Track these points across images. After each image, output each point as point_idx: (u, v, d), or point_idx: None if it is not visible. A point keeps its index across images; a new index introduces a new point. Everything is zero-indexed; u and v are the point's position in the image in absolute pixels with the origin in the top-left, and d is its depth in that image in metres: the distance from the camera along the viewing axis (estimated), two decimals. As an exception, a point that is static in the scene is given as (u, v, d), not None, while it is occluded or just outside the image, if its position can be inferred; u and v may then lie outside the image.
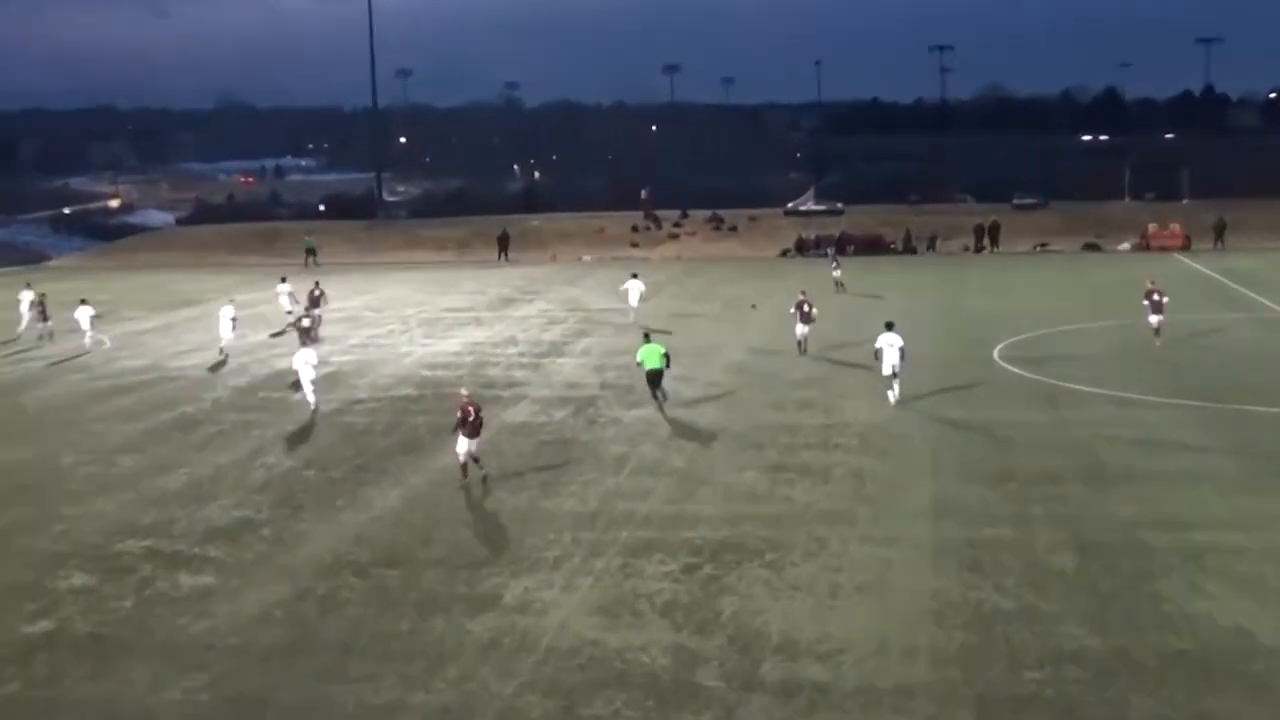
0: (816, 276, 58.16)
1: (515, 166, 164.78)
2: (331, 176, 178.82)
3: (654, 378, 34.46)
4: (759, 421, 32.53)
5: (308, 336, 43.06)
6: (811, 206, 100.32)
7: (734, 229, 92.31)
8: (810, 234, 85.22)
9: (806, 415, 33.21)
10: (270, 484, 27.95)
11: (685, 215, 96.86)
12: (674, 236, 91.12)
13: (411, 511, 25.53)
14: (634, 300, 52.39)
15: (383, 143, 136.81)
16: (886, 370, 33.89)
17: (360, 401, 36.76)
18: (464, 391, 28.10)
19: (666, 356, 34.58)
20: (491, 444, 30.78)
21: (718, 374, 39.51)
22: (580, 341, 47.06)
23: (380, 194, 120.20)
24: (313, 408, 34.89)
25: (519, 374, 40.52)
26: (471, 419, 26.93)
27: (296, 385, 36.74)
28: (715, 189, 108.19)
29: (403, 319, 54.61)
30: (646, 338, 35.81)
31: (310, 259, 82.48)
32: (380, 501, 26.32)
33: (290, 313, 52.68)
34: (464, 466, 27.08)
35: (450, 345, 46.85)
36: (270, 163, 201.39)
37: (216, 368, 43.26)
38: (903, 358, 33.86)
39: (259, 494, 27.15)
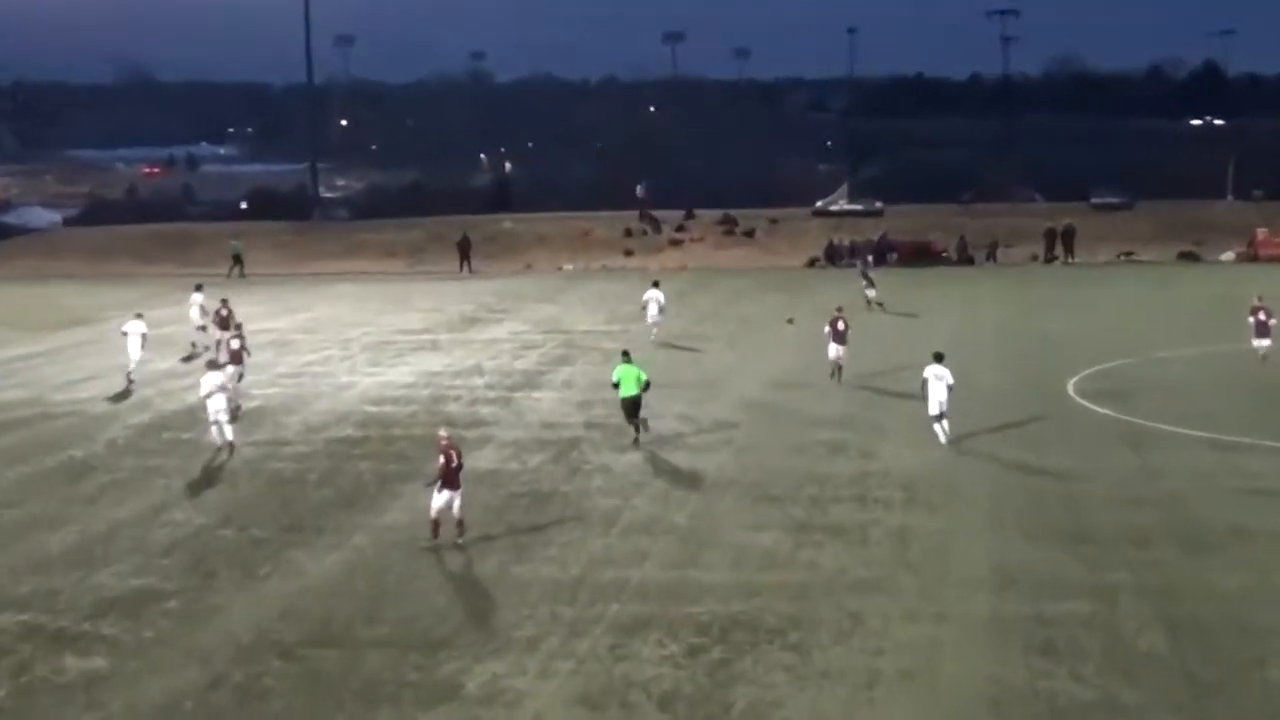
0: (852, 290, 58.22)
1: (482, 156, 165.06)
2: (256, 168, 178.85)
3: (632, 407, 35.53)
4: (779, 469, 32.55)
5: (238, 360, 43.07)
6: (845, 205, 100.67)
7: (750, 233, 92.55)
8: (843, 239, 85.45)
9: (838, 461, 33.25)
10: (177, 545, 27.91)
11: (691, 216, 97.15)
12: (676, 242, 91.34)
13: (352, 580, 25.50)
14: (653, 313, 53.24)
15: (319, 127, 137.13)
16: (934, 409, 34.49)
17: (289, 444, 36.74)
18: (443, 433, 28.03)
19: (647, 383, 35.60)
20: (451, 496, 30.81)
21: (729, 411, 39.56)
22: (560, 371, 47.11)
23: (316, 189, 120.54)
24: (222, 447, 35.15)
25: (485, 410, 40.54)
26: (455, 465, 26.95)
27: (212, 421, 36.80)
28: (727, 184, 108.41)
29: (343, 343, 54.65)
30: (625, 356, 36.62)
31: (236, 269, 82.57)
32: (313, 567, 26.29)
33: (202, 328, 52.60)
34: (436, 525, 27.02)
35: (401, 375, 46.89)
36: (181, 150, 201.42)
37: (119, 398, 43.27)
38: (950, 392, 34.42)
39: (163, 558, 27.10)
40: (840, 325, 43.54)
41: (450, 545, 26.90)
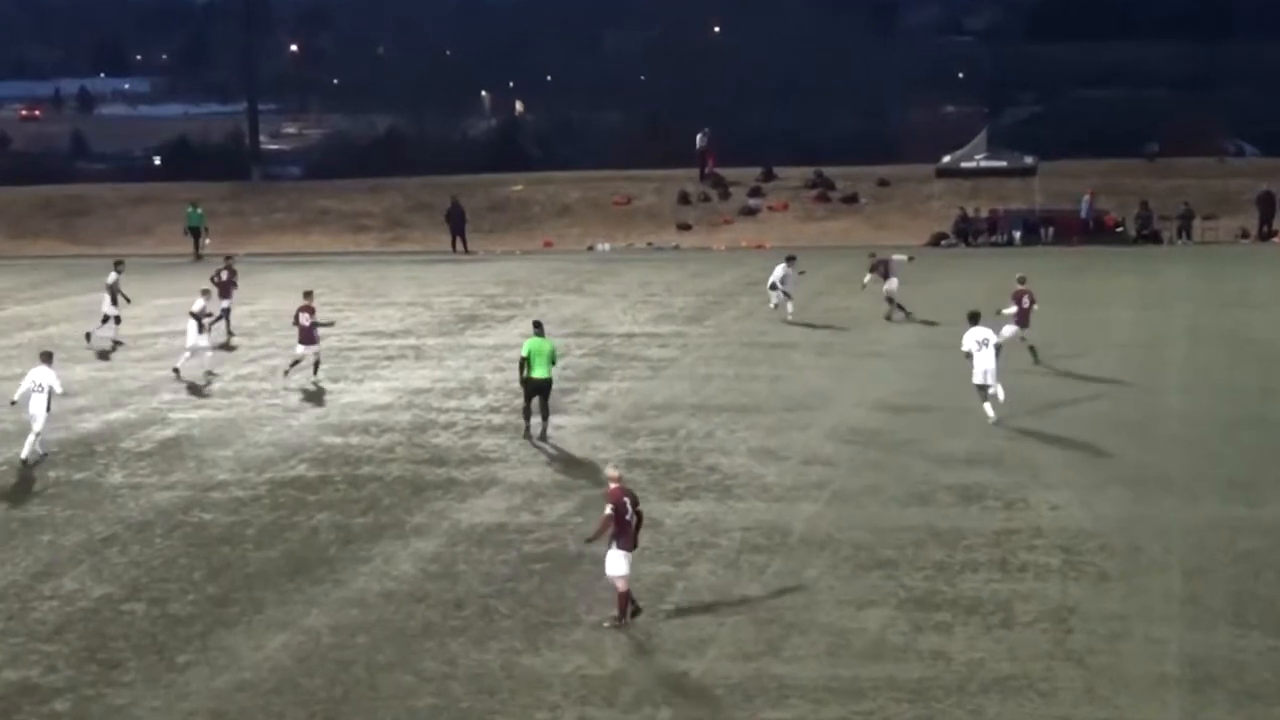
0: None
1: (483, 94, 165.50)
2: (173, 109, 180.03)
3: (541, 390, 40.12)
4: (892, 524, 32.54)
5: (311, 339, 47.74)
6: (982, 162, 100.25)
7: (852, 199, 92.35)
8: (979, 209, 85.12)
9: (973, 513, 33.22)
10: (68, 625, 28.04)
11: (770, 176, 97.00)
12: (750, 211, 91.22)
13: (306, 672, 25.60)
14: (775, 285, 58.05)
15: (259, 54, 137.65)
16: (978, 377, 40.24)
17: (219, 487, 36.90)
18: (612, 471, 28.00)
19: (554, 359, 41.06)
20: (439, 562, 30.90)
21: (823, 443, 39.52)
22: (591, 388, 47.10)
23: (255, 139, 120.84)
24: (26, 457, 38.21)
25: (488, 443, 40.62)
26: (628, 516, 27.02)
27: (113, 453, 37.10)
28: (820, 133, 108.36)
29: (293, 349, 54.79)
30: (538, 329, 40.62)
31: (200, 244, 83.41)
32: (252, 655, 26.39)
33: (114, 319, 55.29)
34: (625, 600, 27.07)
35: (372, 394, 47.00)
36: (70, 85, 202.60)
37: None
38: (998, 355, 40.31)
39: (49, 642, 27.22)
40: (1026, 302, 47.15)
41: (616, 624, 26.97)
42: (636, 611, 27.13)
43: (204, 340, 49.15)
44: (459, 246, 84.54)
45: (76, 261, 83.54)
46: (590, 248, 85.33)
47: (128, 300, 55.99)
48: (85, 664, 26.16)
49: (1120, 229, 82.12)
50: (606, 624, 27.01)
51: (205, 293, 50.43)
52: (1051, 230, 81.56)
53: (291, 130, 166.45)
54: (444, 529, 32.89)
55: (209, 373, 49.04)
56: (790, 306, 57.51)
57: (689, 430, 40.94)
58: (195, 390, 47.74)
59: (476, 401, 45.50)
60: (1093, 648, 25.67)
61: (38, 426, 38.63)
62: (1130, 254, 76.91)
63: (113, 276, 55.91)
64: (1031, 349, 47.04)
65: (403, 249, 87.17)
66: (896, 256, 59.20)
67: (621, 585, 26.92)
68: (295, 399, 46.40)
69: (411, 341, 55.99)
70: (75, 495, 36.46)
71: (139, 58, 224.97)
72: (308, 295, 48.96)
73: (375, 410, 44.66)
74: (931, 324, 54.50)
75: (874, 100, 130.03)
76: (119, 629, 27.75)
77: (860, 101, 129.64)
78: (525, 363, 39.90)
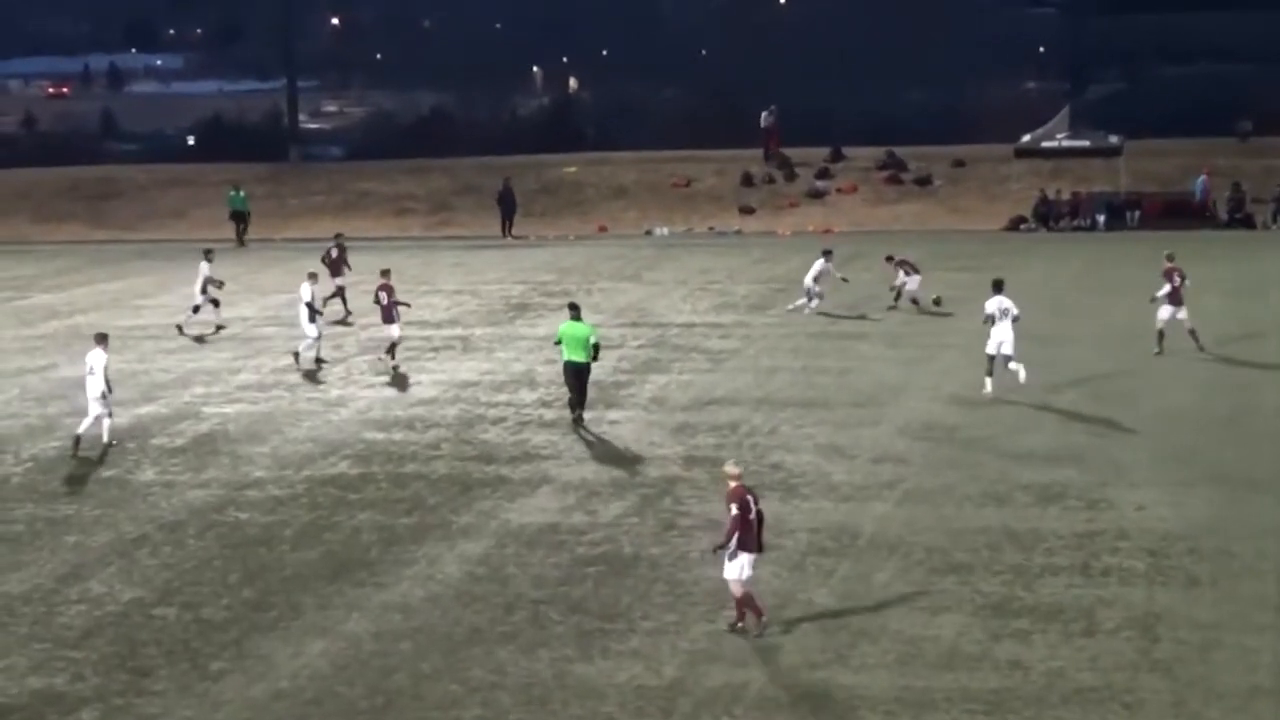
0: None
1: (535, 70, 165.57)
2: (207, 86, 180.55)
3: (579, 376, 41.00)
4: (966, 525, 32.44)
5: (390, 318, 49.08)
6: (1064, 141, 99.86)
7: (925, 181, 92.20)
8: (1060, 190, 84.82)
9: (1053, 513, 33.09)
10: (95, 630, 28.14)
11: (838, 157, 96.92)
12: (817, 194, 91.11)
13: (346, 681, 25.65)
14: (811, 283, 57.24)
15: (298, 28, 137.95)
16: (991, 348, 42.27)
17: (256, 485, 37.00)
18: (732, 469, 27.79)
19: (596, 346, 41.04)
20: (488, 564, 30.92)
21: (893, 440, 39.43)
22: (648, 380, 47.08)
23: (294, 118, 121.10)
24: (107, 440, 39.69)
25: (539, 439, 40.64)
26: (752, 516, 26.97)
27: (144, 449, 37.26)
28: (892, 111, 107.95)
29: (333, 340, 54.91)
30: (573, 311, 41.78)
31: (241, 229, 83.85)
32: (290, 663, 26.45)
33: (200, 306, 57.13)
34: (747, 603, 27.05)
35: (418, 387, 47.06)
36: (100, 61, 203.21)
37: (10, 418, 43.64)
38: (1015, 325, 42.00)
39: (75, 648, 27.32)
40: (1176, 280, 47.69)
41: (758, 635, 26.94)
42: (740, 620, 27.09)
43: (313, 329, 49.56)
44: (508, 231, 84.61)
45: (104, 247, 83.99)
46: (647, 232, 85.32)
47: (203, 290, 56.90)
48: (114, 671, 26.25)
49: (1210, 212, 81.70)
50: (755, 633, 26.95)
51: (313, 276, 50.76)
52: (1138, 214, 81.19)
53: (332, 109, 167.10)
54: (492, 530, 32.92)
55: (319, 360, 49.94)
56: (800, 301, 57.27)
57: (752, 426, 40.89)
58: (228, 383, 47.91)
59: (527, 395, 45.52)
60: (1181, 657, 25.57)
61: (92, 410, 39.80)
62: (1222, 238, 76.56)
63: (204, 268, 56.90)
64: (1192, 332, 47.25)
65: (449, 233, 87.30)
66: (912, 277, 57.91)
67: (737, 590, 26.89)
68: (335, 392, 46.51)
69: (458, 332, 56.08)
70: (104, 493, 36.60)
71: (172, 32, 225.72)
72: (385, 274, 50.28)
73: (420, 404, 44.73)
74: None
75: (948, 77, 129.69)
76: (149, 634, 27.84)
77: (934, 78, 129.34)
78: (558, 342, 41.10)
